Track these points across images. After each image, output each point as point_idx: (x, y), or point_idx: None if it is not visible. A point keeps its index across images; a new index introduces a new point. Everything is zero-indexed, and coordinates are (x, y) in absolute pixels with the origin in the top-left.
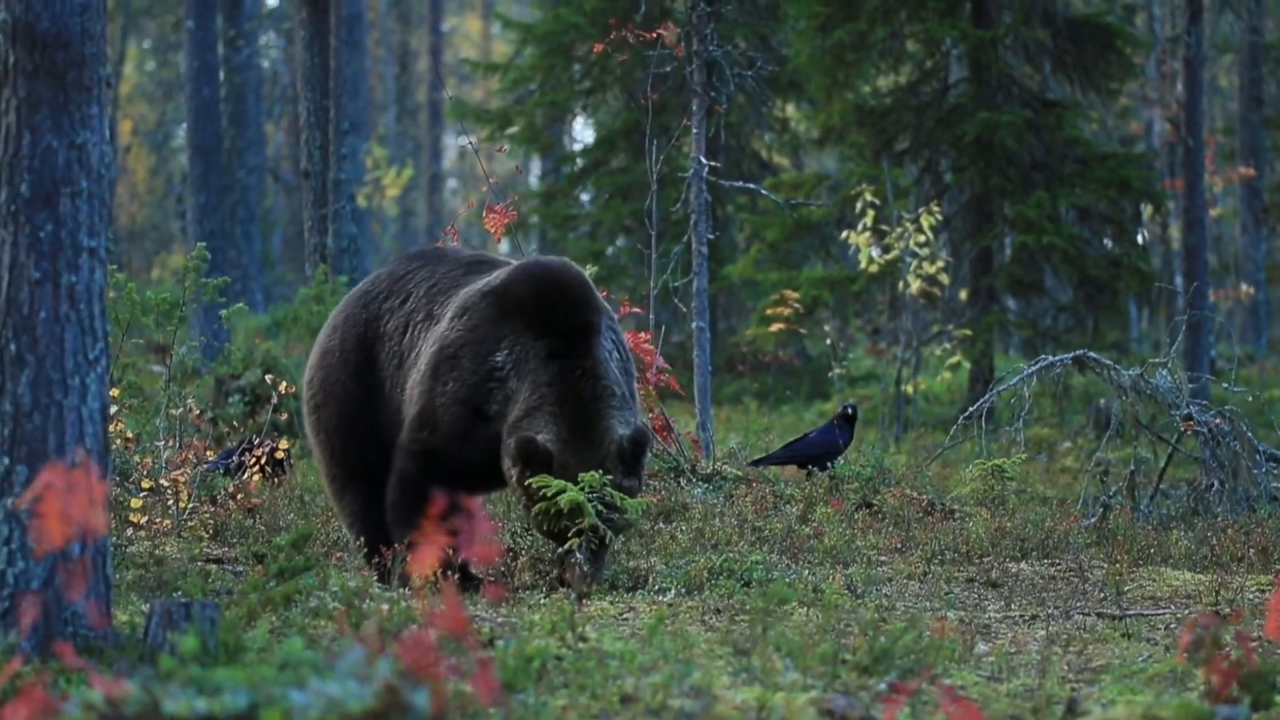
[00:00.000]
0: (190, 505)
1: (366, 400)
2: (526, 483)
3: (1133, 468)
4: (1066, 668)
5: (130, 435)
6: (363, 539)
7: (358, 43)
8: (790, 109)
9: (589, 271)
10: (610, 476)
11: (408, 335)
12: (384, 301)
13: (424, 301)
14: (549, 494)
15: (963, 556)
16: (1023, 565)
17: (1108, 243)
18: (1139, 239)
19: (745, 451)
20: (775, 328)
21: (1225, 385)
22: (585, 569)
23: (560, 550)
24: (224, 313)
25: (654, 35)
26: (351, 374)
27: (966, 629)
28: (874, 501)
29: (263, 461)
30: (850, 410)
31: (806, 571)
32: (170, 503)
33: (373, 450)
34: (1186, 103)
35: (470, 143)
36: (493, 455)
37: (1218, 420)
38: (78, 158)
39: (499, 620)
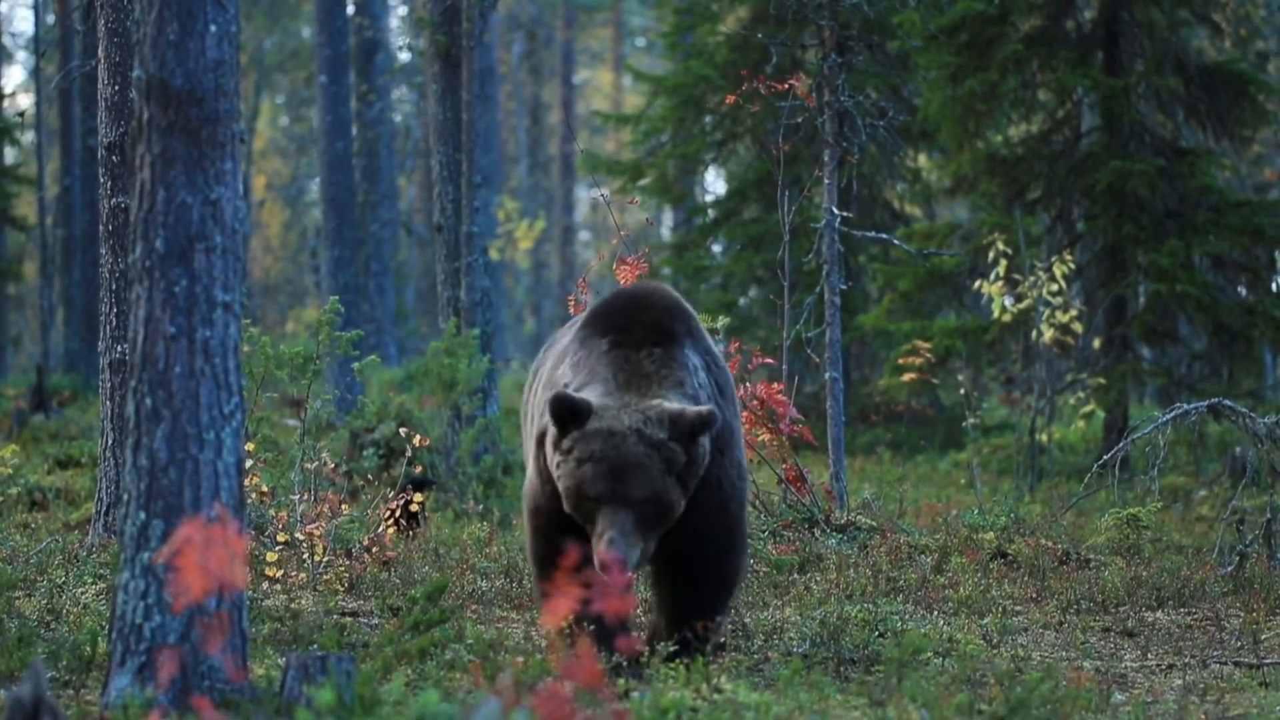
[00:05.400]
0: (326, 559)
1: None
2: (561, 444)
3: (1269, 515)
4: (1204, 717)
5: (265, 489)
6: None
7: (490, 96)
8: (922, 159)
9: (721, 323)
10: (657, 434)
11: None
12: (549, 349)
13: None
14: None
15: (1098, 606)
16: (1159, 614)
17: (1242, 290)
18: (1274, 286)
19: (879, 502)
20: (908, 377)
21: None
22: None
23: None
24: (357, 366)
25: (785, 86)
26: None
27: (1103, 678)
28: (1009, 551)
29: (397, 514)
30: None
31: (942, 621)
32: (306, 556)
33: None
34: None
35: (602, 195)
36: None
37: None
38: (212, 213)
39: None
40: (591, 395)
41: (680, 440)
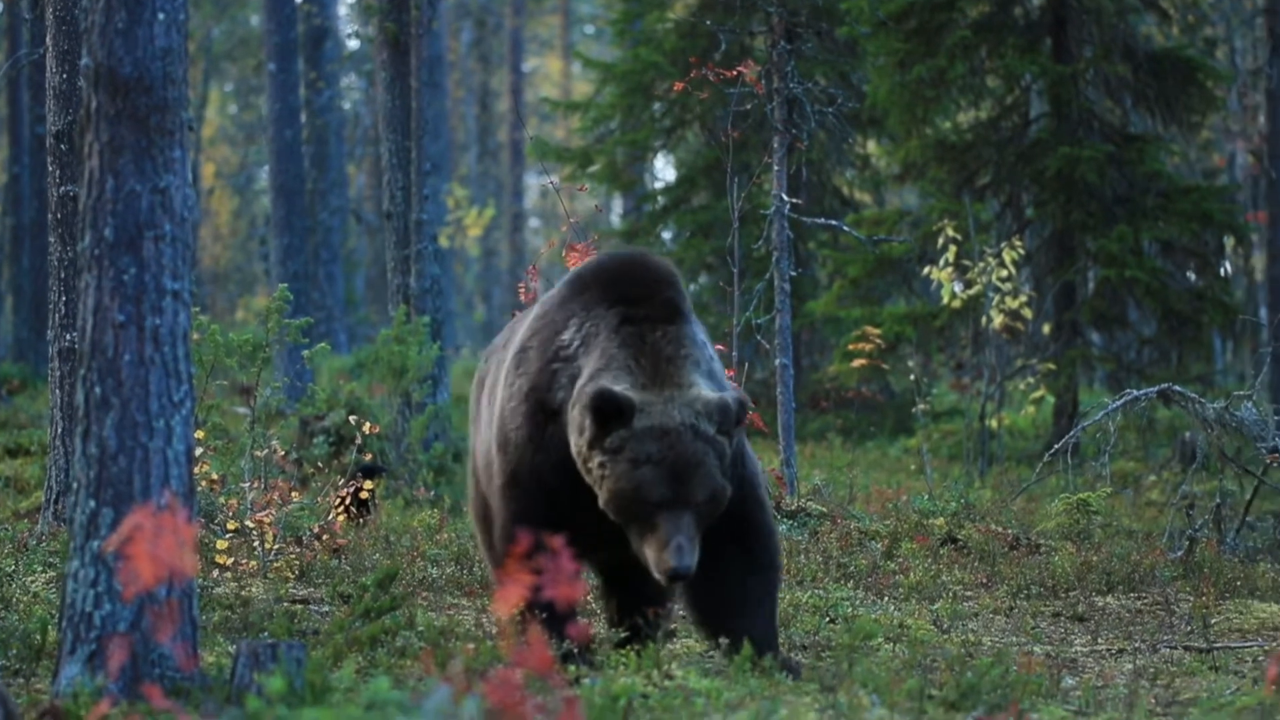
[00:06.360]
0: (276, 546)
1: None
2: (604, 442)
3: (1219, 500)
4: (1154, 701)
5: (215, 477)
6: None
7: (439, 84)
8: (871, 145)
9: None
10: (708, 429)
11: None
12: (501, 351)
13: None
14: None
15: (1049, 591)
16: (1109, 599)
17: (1191, 276)
18: (1222, 272)
19: (830, 488)
20: (858, 364)
21: None
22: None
23: (643, 543)
24: (307, 353)
25: (734, 73)
26: (480, 442)
27: (1053, 663)
28: (959, 537)
29: (347, 502)
30: None
31: (892, 607)
32: (256, 544)
33: None
34: (1269, 135)
35: (552, 182)
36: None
37: None
38: (161, 201)
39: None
40: (621, 386)
41: (725, 431)
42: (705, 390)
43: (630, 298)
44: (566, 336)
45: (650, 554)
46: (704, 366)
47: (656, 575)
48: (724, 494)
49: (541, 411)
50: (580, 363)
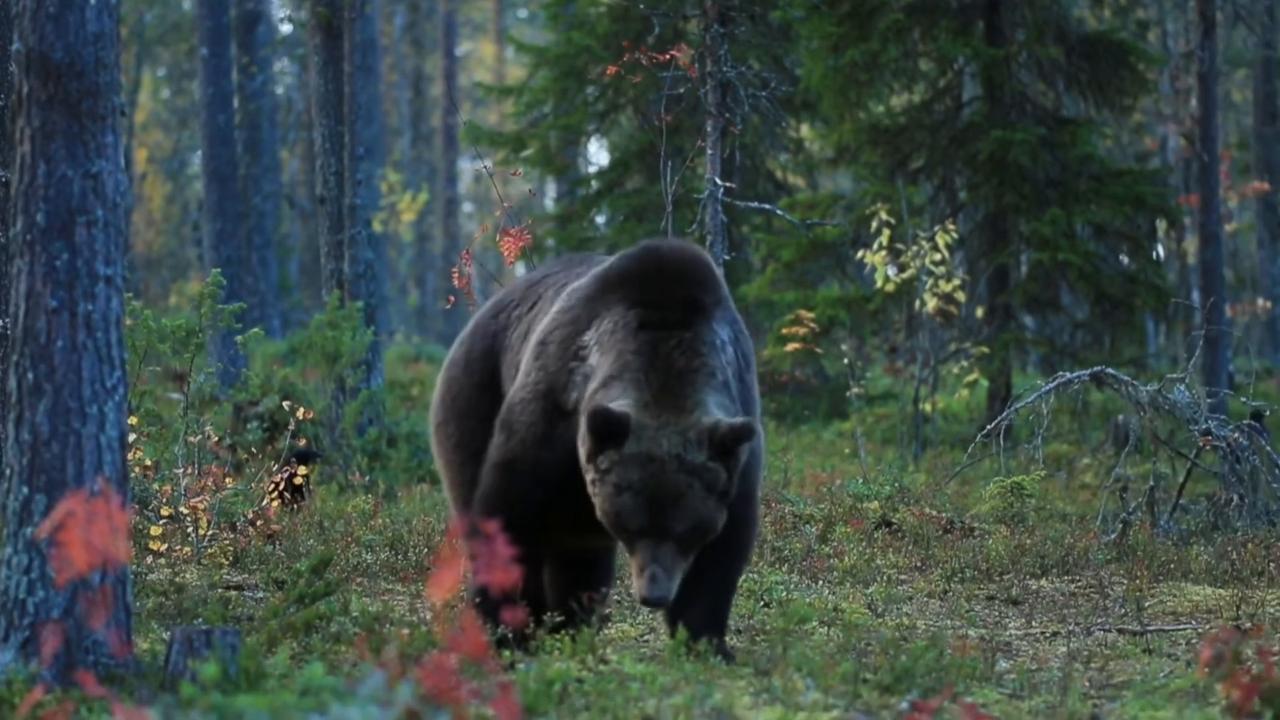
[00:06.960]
0: (210, 532)
1: (490, 417)
2: (598, 461)
3: (1152, 483)
4: (1088, 684)
5: (149, 463)
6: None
7: (372, 68)
8: (805, 129)
9: None
10: (697, 458)
11: (526, 342)
12: (515, 309)
13: (550, 303)
14: None
15: (983, 574)
16: (1043, 582)
17: (1124, 259)
18: (1155, 255)
19: (764, 472)
20: (792, 347)
21: (1243, 400)
22: (659, 579)
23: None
24: (240, 339)
25: (667, 57)
26: (476, 384)
27: (988, 647)
28: (893, 520)
29: (281, 487)
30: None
31: (827, 591)
32: (190, 530)
33: None
34: (1201, 118)
35: (485, 166)
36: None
37: (1236, 435)
38: (93, 186)
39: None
40: (625, 403)
41: (719, 458)
42: (708, 413)
43: (648, 300)
44: (586, 337)
45: (632, 575)
46: (719, 377)
47: (636, 599)
48: (710, 524)
49: (556, 411)
50: (593, 361)
